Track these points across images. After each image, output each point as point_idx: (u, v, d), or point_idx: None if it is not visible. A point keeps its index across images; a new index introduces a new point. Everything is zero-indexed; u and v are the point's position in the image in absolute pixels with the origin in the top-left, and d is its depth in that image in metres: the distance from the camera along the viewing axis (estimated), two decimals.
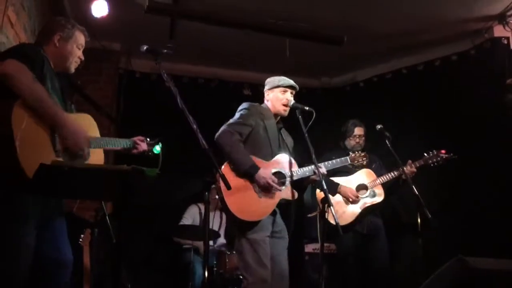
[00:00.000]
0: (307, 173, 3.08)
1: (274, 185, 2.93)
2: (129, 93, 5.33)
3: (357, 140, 4.24)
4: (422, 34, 4.99)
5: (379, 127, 3.88)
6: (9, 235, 1.98)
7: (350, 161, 3.41)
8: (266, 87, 3.28)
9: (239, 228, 2.92)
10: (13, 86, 1.98)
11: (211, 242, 4.63)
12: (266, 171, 2.95)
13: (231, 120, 3.11)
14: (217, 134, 3.00)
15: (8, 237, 1.98)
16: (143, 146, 2.68)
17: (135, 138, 2.67)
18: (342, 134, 4.31)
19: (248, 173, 2.92)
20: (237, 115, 3.14)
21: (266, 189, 2.94)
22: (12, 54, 2.08)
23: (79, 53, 2.43)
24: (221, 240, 4.77)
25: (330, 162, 3.26)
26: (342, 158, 3.37)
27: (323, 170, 3.08)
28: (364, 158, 3.46)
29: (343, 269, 4.05)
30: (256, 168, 2.92)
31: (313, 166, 3.03)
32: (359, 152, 3.50)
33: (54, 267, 2.17)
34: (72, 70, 2.43)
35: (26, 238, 2.01)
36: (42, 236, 2.10)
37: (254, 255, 2.83)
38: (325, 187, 2.84)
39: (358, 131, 4.27)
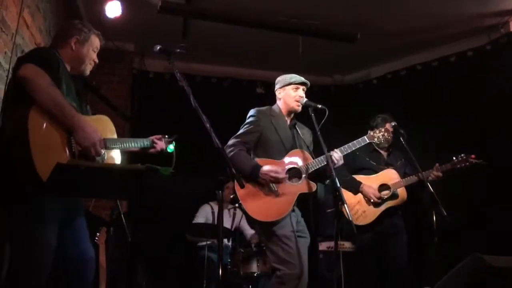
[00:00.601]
0: (322, 163, 3.03)
1: (279, 175, 2.92)
2: (142, 93, 5.37)
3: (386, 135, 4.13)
4: (437, 30, 4.94)
5: (393, 124, 3.84)
6: (30, 235, 2.00)
7: (369, 140, 3.28)
8: (277, 86, 3.28)
9: (264, 228, 2.95)
10: (31, 90, 2.01)
11: (225, 240, 4.65)
12: (269, 166, 2.95)
13: (238, 131, 3.14)
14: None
15: (29, 238, 2.00)
16: (161, 145, 2.69)
17: (153, 137, 2.69)
18: (372, 128, 4.21)
19: (252, 176, 2.93)
20: (244, 124, 3.18)
21: (276, 183, 2.93)
22: (29, 59, 2.11)
23: (94, 56, 2.46)
24: (251, 231, 4.71)
25: (346, 145, 3.15)
26: (360, 139, 3.24)
27: (339, 154, 3.05)
28: (385, 134, 3.28)
29: (361, 268, 4.00)
30: (257, 168, 2.93)
31: (326, 154, 2.93)
32: (379, 128, 3.36)
33: (77, 265, 2.19)
34: (87, 73, 2.46)
35: (47, 238, 2.04)
36: (64, 235, 2.13)
37: (285, 249, 2.85)
38: (338, 184, 2.79)
39: (388, 127, 4.16)
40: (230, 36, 4.94)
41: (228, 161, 2.20)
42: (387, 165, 4.06)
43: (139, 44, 5.30)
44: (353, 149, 3.21)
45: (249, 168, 2.93)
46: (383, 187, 3.95)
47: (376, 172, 4.02)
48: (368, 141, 3.30)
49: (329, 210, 4.35)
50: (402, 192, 3.92)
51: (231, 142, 3.08)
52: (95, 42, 2.46)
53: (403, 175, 3.98)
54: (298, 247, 2.90)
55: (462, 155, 3.82)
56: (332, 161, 2.95)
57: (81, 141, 2.12)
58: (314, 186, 3.05)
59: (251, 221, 3.02)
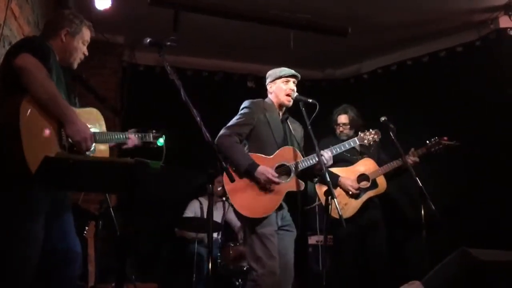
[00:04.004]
0: (312, 162, 3.06)
1: (274, 179, 2.93)
2: (132, 86, 5.33)
3: (341, 129, 4.17)
4: (427, 25, 4.96)
5: (383, 119, 3.85)
6: (18, 228, 1.99)
7: (359, 142, 3.31)
8: (268, 80, 3.28)
9: (248, 223, 2.95)
10: (26, 80, 1.98)
11: (215, 234, 4.65)
12: (265, 167, 2.95)
13: (230, 122, 3.12)
14: (216, 138, 3.00)
15: (17, 231, 1.98)
16: (133, 140, 2.63)
17: (128, 132, 2.64)
18: (331, 122, 4.25)
19: (248, 172, 2.93)
20: (237, 115, 3.15)
21: (268, 185, 2.95)
22: (26, 48, 2.07)
23: (83, 49, 2.43)
24: (238, 223, 4.70)
25: (337, 146, 3.20)
26: (350, 140, 3.31)
27: (328, 154, 3.07)
28: (375, 136, 3.34)
29: (341, 261, 3.99)
30: (255, 166, 2.93)
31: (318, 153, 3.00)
32: (370, 130, 3.39)
33: (63, 259, 2.17)
34: (75, 66, 2.43)
35: (35, 231, 2.02)
36: (51, 228, 2.11)
37: (264, 249, 2.86)
38: (328, 179, 2.83)
39: (341, 119, 4.18)
40: (221, 29, 4.91)
41: (218, 155, 2.20)
42: (361, 154, 4.07)
43: (129, 37, 5.24)
44: (343, 149, 3.24)
45: (245, 164, 2.93)
46: (361, 177, 3.95)
47: (352, 163, 4.02)
48: (358, 143, 3.34)
49: (308, 207, 4.38)
50: (381, 180, 3.94)
51: (225, 132, 3.05)
52: (86, 34, 2.42)
53: (377, 161, 3.99)
54: (278, 245, 2.92)
55: (436, 137, 3.88)
56: (322, 160, 2.97)
57: (73, 135, 2.10)
58: (302, 185, 3.06)
59: (238, 216, 3.03)
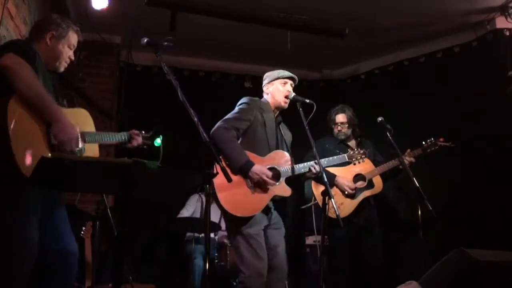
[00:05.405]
0: (302, 170, 3.07)
1: (268, 180, 2.92)
2: (130, 86, 5.32)
3: (339, 128, 4.21)
4: (424, 26, 4.97)
5: (380, 119, 3.87)
6: (12, 228, 1.98)
7: (348, 159, 3.38)
8: (265, 81, 3.28)
9: (233, 223, 2.91)
10: (12, 80, 1.97)
11: (212, 234, 4.65)
12: (261, 167, 2.93)
13: (228, 115, 3.08)
14: (213, 129, 2.97)
15: (11, 231, 1.97)
16: (138, 140, 2.67)
17: (131, 132, 2.67)
18: (329, 121, 4.29)
19: (242, 170, 2.90)
20: (235, 109, 3.12)
21: (260, 185, 2.93)
22: (10, 49, 2.07)
23: (69, 53, 2.41)
24: (223, 232, 4.77)
25: (327, 159, 3.25)
26: (340, 156, 3.38)
27: (317, 169, 3.07)
28: (363, 156, 3.41)
29: (336, 261, 4.00)
30: (250, 164, 2.90)
31: (309, 163, 3.05)
32: (358, 149, 3.46)
33: (59, 259, 2.16)
34: (61, 70, 2.42)
35: (29, 231, 2.01)
36: (44, 228, 2.10)
37: (250, 249, 2.83)
38: (325, 179, 2.84)
39: (338, 118, 4.22)
40: (218, 29, 4.91)
41: (215, 154, 2.19)
42: None
43: (126, 37, 5.23)
44: (333, 163, 3.33)
45: (241, 162, 2.89)
46: (358, 177, 3.97)
47: (349, 164, 4.03)
48: (346, 159, 3.39)
49: (303, 207, 4.39)
50: (377, 180, 3.96)
51: (222, 124, 3.00)
52: (73, 39, 2.40)
53: (373, 163, 4.03)
54: (268, 243, 2.92)
55: (432, 139, 3.92)
56: (311, 170, 3.02)
57: (58, 135, 2.08)
58: (289, 191, 3.05)
59: (222, 210, 2.95)
